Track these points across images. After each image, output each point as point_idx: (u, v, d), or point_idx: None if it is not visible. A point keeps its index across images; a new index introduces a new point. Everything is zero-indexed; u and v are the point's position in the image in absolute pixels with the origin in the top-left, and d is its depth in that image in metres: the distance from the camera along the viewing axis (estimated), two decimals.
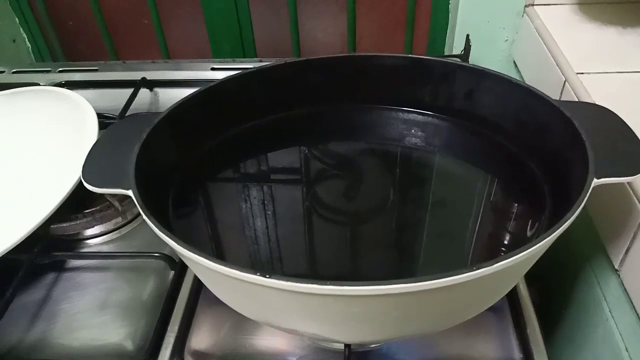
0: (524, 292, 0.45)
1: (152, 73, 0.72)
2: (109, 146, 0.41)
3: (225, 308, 0.38)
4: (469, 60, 0.73)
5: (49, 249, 0.49)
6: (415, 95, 0.50)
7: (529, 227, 0.41)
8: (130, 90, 0.68)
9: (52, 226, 0.50)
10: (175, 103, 0.45)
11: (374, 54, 0.48)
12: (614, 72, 0.59)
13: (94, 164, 0.39)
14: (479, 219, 0.44)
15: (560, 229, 0.31)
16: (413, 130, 0.51)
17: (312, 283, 0.28)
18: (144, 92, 0.70)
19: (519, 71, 0.74)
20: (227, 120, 0.49)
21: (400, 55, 0.48)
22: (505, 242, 0.42)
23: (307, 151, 0.51)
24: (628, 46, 0.63)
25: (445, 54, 0.81)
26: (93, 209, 0.52)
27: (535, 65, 0.69)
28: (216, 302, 0.39)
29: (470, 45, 0.70)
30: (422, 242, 0.43)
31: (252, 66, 0.74)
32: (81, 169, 0.39)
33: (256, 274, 0.30)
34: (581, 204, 0.33)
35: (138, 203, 0.35)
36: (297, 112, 0.51)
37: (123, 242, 0.53)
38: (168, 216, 0.42)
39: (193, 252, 0.30)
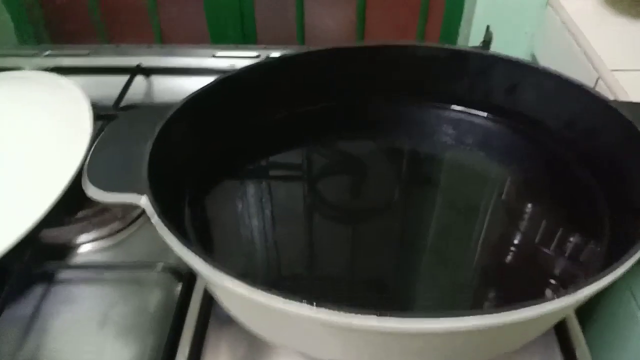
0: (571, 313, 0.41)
1: (148, 59, 0.66)
2: (114, 145, 0.36)
3: (240, 326, 0.34)
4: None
5: (40, 257, 0.44)
6: (452, 88, 0.45)
7: (584, 242, 0.37)
8: (124, 78, 0.62)
9: (43, 233, 0.44)
10: (192, 94, 0.40)
11: (409, 43, 0.44)
12: None
13: (98, 166, 0.34)
14: (521, 230, 0.40)
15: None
16: (447, 127, 0.46)
17: (381, 317, 0.24)
18: (139, 80, 0.64)
19: None
20: (248, 111, 0.45)
21: (438, 46, 0.43)
22: (547, 262, 0.38)
23: (334, 148, 0.47)
24: None
25: (460, 44, 0.76)
26: (88, 212, 0.47)
27: (561, 60, 0.65)
28: (229, 319, 0.35)
29: (492, 37, 0.66)
30: (462, 254, 0.39)
31: (256, 53, 0.69)
32: (85, 172, 0.33)
33: (302, 302, 0.25)
34: None
35: (159, 220, 0.30)
36: (324, 105, 0.47)
37: (121, 249, 0.47)
38: (184, 223, 0.37)
39: (236, 281, 0.25)
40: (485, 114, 0.46)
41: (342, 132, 0.48)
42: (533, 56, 0.73)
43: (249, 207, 0.43)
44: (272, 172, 0.47)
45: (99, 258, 0.47)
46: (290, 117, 0.47)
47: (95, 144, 0.36)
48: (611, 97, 0.51)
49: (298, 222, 0.41)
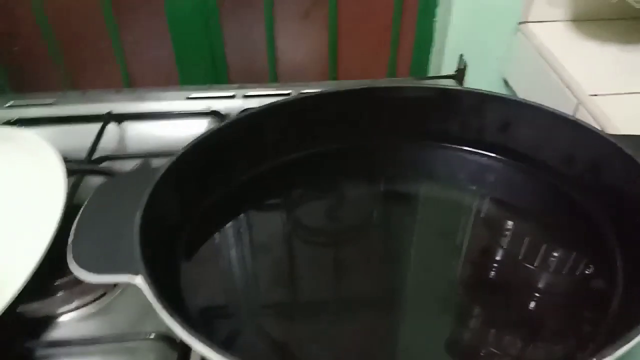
0: None
1: (118, 105, 0.64)
2: (98, 217, 0.34)
3: None
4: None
5: (17, 335, 0.40)
6: (443, 127, 0.45)
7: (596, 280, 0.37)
8: (95, 126, 0.60)
9: (19, 309, 0.41)
10: (178, 153, 0.37)
11: (395, 85, 0.43)
12: (629, 93, 0.56)
13: (83, 243, 0.31)
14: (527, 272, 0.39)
15: None
16: (442, 166, 0.46)
17: None
18: (111, 128, 0.62)
19: (512, 90, 0.71)
20: (236, 164, 0.43)
21: (426, 86, 0.43)
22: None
23: (327, 192, 0.45)
24: (633, 64, 0.61)
25: (431, 74, 0.77)
26: (67, 280, 0.43)
27: (535, 85, 0.65)
28: None
29: (466, 65, 0.66)
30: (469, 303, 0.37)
31: (231, 93, 0.68)
32: (70, 252, 0.31)
33: None
34: None
35: (158, 304, 0.27)
36: (311, 152, 0.45)
37: (107, 315, 0.44)
38: (179, 290, 0.35)
39: None
40: (479, 152, 0.46)
41: (333, 177, 0.47)
42: (505, 81, 0.73)
43: (242, 253, 0.41)
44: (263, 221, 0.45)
45: (83, 328, 0.43)
46: (277, 166, 0.45)
47: (77, 219, 0.33)
48: (593, 123, 0.52)
49: (290, 264, 0.40)
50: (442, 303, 0.38)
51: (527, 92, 0.67)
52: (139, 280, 0.29)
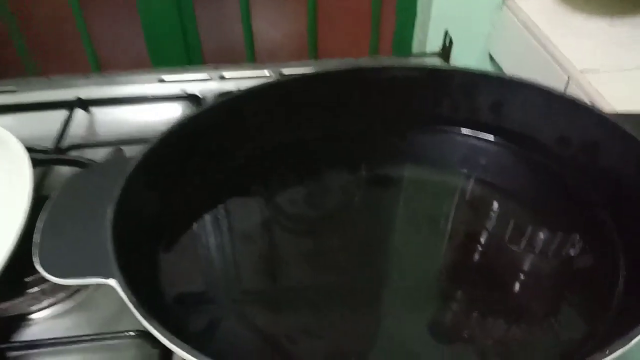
0: None
1: (86, 90, 0.60)
2: (67, 214, 0.31)
3: None
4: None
5: None
6: (434, 108, 0.42)
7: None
8: (62, 113, 0.56)
9: None
10: (153, 141, 0.34)
11: (386, 65, 0.40)
12: (621, 69, 0.54)
13: (52, 243, 0.28)
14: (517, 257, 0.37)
15: None
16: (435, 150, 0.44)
17: None
18: (79, 115, 0.58)
19: (498, 66, 0.69)
20: (216, 151, 0.40)
21: (419, 66, 0.40)
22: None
23: (307, 184, 0.43)
24: (622, 38, 0.59)
25: (416, 51, 0.74)
26: (38, 276, 0.40)
27: (523, 62, 0.63)
28: None
29: (452, 42, 0.64)
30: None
31: (207, 75, 0.64)
32: (36, 254, 0.28)
33: None
34: None
35: (136, 312, 0.25)
36: (295, 137, 0.42)
37: (82, 313, 0.41)
38: (159, 281, 0.32)
39: None
40: (471, 133, 0.43)
41: (318, 163, 0.44)
42: (491, 57, 0.71)
43: (223, 241, 0.39)
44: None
45: (58, 326, 0.40)
46: (259, 152, 0.42)
47: (44, 215, 0.30)
48: (586, 100, 0.50)
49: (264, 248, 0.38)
50: (426, 287, 0.36)
51: (515, 68, 0.65)
52: (112, 283, 0.26)
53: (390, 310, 0.34)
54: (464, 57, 0.69)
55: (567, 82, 0.54)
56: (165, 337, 0.24)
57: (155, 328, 0.24)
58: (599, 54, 0.56)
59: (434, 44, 0.69)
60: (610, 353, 0.24)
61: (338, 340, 0.33)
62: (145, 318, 0.24)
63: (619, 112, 0.40)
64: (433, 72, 0.40)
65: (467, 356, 0.31)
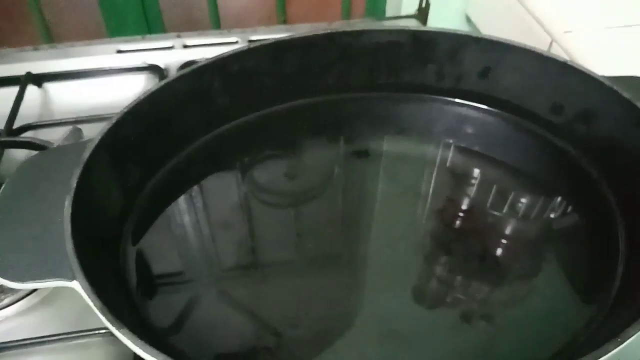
0: None
1: (37, 64, 0.56)
2: (20, 204, 0.27)
3: None
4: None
5: None
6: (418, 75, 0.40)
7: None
8: (12, 90, 0.51)
9: None
10: (113, 119, 0.31)
11: (366, 29, 0.37)
12: (606, 28, 0.52)
13: (4, 241, 0.25)
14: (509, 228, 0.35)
15: None
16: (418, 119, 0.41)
17: None
18: (32, 91, 0.53)
19: (476, 28, 0.67)
20: (184, 127, 0.37)
21: (397, 29, 0.37)
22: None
23: (287, 160, 0.40)
24: None
25: (389, 15, 0.71)
26: None
27: (503, 23, 0.61)
28: None
29: (429, 3, 0.61)
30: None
31: (169, 44, 0.60)
32: None
33: None
34: None
35: (96, 306, 0.22)
36: (271, 110, 0.39)
37: (48, 309, 0.38)
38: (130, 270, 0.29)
39: None
40: (458, 100, 0.41)
41: (296, 135, 0.41)
42: (467, 17, 0.68)
43: (199, 220, 0.37)
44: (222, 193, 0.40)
45: (22, 326, 0.37)
46: (232, 127, 0.39)
47: None
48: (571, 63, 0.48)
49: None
50: (410, 256, 0.35)
51: (494, 30, 0.62)
52: (75, 285, 0.23)
53: (373, 279, 0.34)
54: (439, 20, 0.66)
55: (550, 44, 0.52)
56: (135, 343, 0.21)
57: (125, 335, 0.21)
58: (582, 14, 0.54)
59: (408, 6, 0.66)
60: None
61: (321, 309, 0.32)
62: (113, 324, 0.21)
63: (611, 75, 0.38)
64: (417, 35, 0.37)
65: (451, 319, 0.31)
